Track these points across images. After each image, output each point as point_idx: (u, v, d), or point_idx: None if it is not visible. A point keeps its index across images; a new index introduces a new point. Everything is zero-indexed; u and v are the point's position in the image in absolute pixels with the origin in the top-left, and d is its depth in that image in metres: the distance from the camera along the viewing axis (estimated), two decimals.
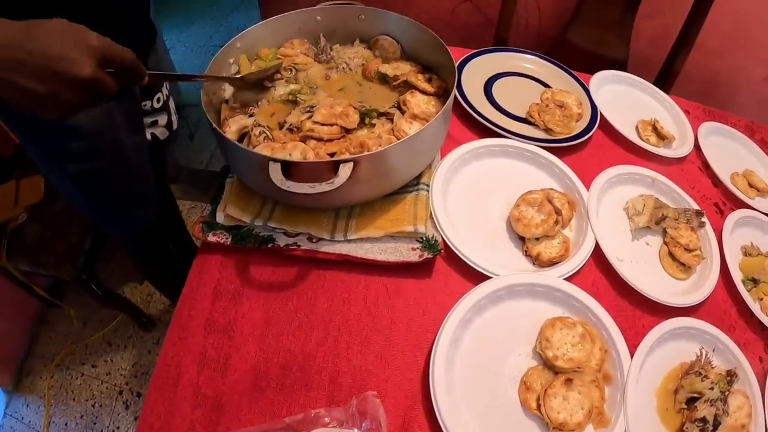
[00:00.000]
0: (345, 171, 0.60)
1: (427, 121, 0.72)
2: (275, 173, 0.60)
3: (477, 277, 0.70)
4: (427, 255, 0.68)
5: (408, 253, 0.68)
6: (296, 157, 0.67)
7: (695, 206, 0.89)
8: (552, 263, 0.73)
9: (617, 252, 0.78)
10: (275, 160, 0.60)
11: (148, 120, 0.92)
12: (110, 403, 1.38)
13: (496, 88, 0.99)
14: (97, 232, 1.19)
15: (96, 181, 0.83)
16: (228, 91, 0.81)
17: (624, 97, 1.10)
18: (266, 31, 0.83)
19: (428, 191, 0.75)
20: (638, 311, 0.76)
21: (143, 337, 1.51)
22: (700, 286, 0.80)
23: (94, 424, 1.34)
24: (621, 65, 1.18)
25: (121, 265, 1.61)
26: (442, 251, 0.69)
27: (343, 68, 0.84)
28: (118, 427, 1.33)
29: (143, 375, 1.43)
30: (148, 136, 0.93)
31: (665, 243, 0.83)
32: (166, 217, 1.16)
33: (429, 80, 0.80)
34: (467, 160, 0.83)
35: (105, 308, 1.49)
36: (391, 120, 0.76)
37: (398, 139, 0.69)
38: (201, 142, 2.08)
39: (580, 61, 1.11)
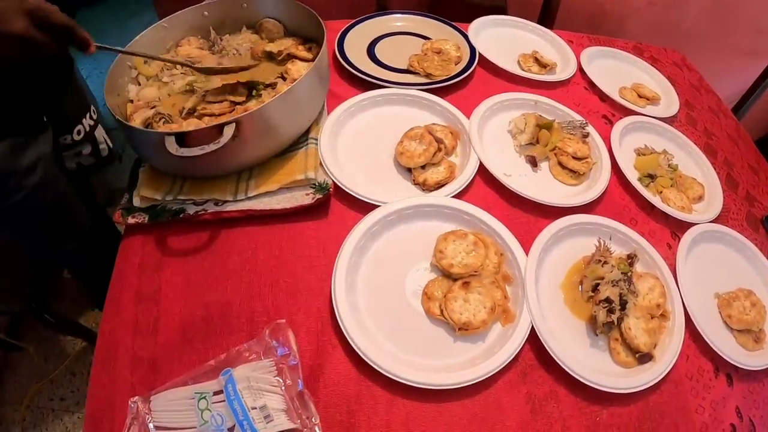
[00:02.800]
0: (228, 131, 0.68)
1: None
2: (170, 144, 0.67)
3: (370, 209, 0.76)
4: (318, 196, 0.75)
5: (302, 198, 0.75)
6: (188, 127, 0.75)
7: (579, 118, 0.95)
8: (439, 186, 0.80)
9: (504, 169, 0.84)
10: (169, 134, 0.68)
11: (70, 153, 0.97)
12: None
13: (379, 48, 1.07)
14: (41, 262, 1.23)
15: (17, 215, 0.86)
16: (132, 91, 0.88)
17: (505, 38, 1.18)
18: (158, 33, 0.91)
19: (317, 144, 0.82)
20: (532, 217, 0.82)
21: None
22: (592, 186, 0.87)
23: None
24: (501, 12, 1.26)
25: (74, 293, 1.65)
26: (331, 189, 0.76)
27: (234, 54, 0.92)
28: None
29: None
30: (74, 165, 0.97)
31: (554, 154, 0.90)
32: (105, 238, 1.20)
33: (309, 49, 0.88)
34: (353, 112, 0.90)
35: (63, 340, 1.53)
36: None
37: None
38: (131, 164, 2.09)
39: (462, 14, 1.19)
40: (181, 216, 0.76)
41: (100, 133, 1.04)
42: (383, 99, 0.94)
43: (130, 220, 0.78)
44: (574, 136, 0.91)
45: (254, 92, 0.82)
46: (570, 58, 1.11)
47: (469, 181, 0.81)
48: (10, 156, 0.78)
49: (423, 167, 0.81)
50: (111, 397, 0.65)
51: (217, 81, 0.86)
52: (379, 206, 0.76)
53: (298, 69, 0.84)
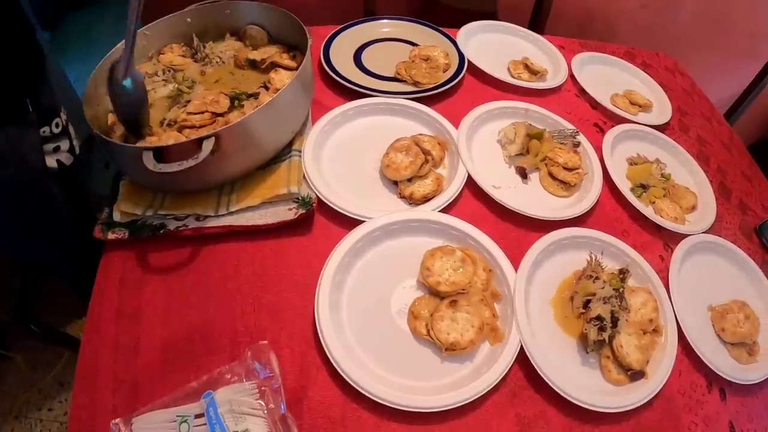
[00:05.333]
0: (207, 145, 0.65)
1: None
2: (148, 160, 0.65)
3: (354, 224, 0.74)
4: (301, 211, 0.73)
5: (285, 213, 0.73)
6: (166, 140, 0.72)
7: (570, 127, 0.94)
8: (426, 199, 0.78)
9: (493, 181, 0.82)
10: (147, 149, 0.65)
11: (50, 146, 0.94)
12: None
13: (365, 56, 1.05)
14: (26, 271, 1.20)
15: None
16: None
17: (495, 44, 1.16)
18: (140, 41, 0.88)
19: (300, 156, 0.80)
20: (522, 231, 0.80)
21: None
22: (583, 198, 0.85)
23: None
24: (491, 17, 1.24)
25: (63, 300, 1.58)
26: (315, 204, 0.74)
27: (217, 62, 0.90)
28: None
29: None
30: (54, 163, 0.95)
31: (545, 164, 0.88)
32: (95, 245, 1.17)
33: (293, 57, 0.86)
34: (338, 123, 0.88)
35: (51, 349, 1.50)
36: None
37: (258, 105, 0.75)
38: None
39: (451, 19, 1.17)
40: (161, 232, 0.74)
41: (72, 130, 1.00)
42: (369, 108, 0.92)
43: (110, 236, 0.76)
44: (565, 146, 0.89)
45: (236, 102, 0.80)
46: (561, 65, 1.10)
47: (456, 194, 0.79)
48: None
49: (410, 180, 0.79)
50: (92, 419, 0.64)
51: (200, 90, 0.84)
52: (364, 221, 0.74)
53: (281, 78, 0.82)
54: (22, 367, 1.53)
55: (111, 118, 0.83)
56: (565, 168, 0.86)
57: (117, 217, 0.77)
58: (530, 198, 0.84)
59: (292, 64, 0.84)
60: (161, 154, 0.66)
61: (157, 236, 0.75)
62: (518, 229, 0.80)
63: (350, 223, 0.75)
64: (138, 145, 0.70)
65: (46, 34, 1.68)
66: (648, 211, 0.88)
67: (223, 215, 0.74)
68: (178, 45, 0.92)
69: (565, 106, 1.02)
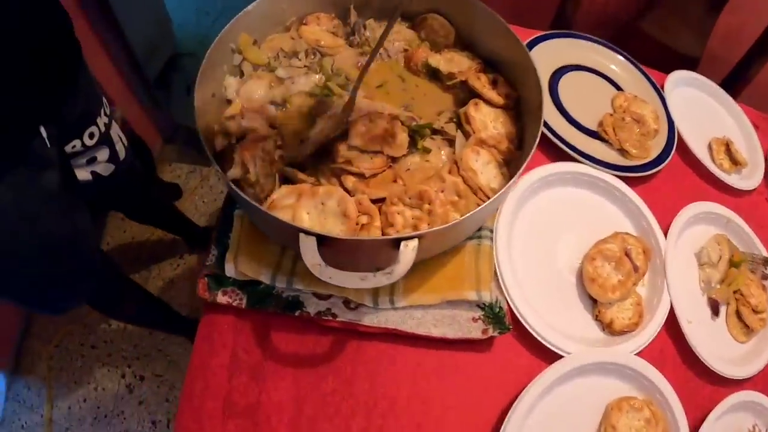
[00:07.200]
0: (407, 252, 0.44)
1: (497, 150, 0.56)
2: (309, 251, 0.44)
3: (544, 350, 0.60)
4: (492, 332, 0.56)
5: (468, 325, 0.56)
6: (331, 208, 0.50)
7: (764, 251, 0.75)
8: (624, 332, 0.63)
9: (688, 313, 0.68)
10: (308, 233, 0.44)
11: (82, 160, 0.73)
12: (113, 387, 1.32)
13: (563, 88, 0.81)
14: None
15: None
16: (231, 86, 0.61)
17: (695, 105, 0.93)
18: (278, 2, 0.60)
19: (492, 240, 0.59)
20: (699, 381, 0.68)
21: None
22: (760, 352, 0.71)
23: (98, 408, 1.29)
24: (692, 64, 0.97)
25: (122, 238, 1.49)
26: (511, 327, 0.56)
27: (381, 54, 0.64)
28: (122, 411, 1.29)
29: (145, 357, 1.35)
30: (89, 176, 0.74)
31: (735, 298, 0.71)
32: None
33: (494, 83, 0.61)
34: (535, 190, 0.68)
35: None
36: (449, 141, 0.58)
37: (464, 179, 0.53)
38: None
39: (649, 53, 0.92)
40: (296, 313, 0.55)
41: (115, 131, 0.79)
42: (571, 177, 0.72)
43: (221, 299, 0.57)
44: (755, 276, 0.71)
45: (418, 142, 0.57)
46: (757, 154, 0.88)
47: (656, 333, 0.64)
48: None
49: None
50: None
51: (360, 100, 0.60)
52: (557, 353, 0.59)
53: (483, 121, 0.58)
54: None
55: (231, 113, 0.59)
56: (754, 311, 0.70)
57: (230, 272, 0.57)
58: (716, 339, 0.70)
59: (497, 99, 0.59)
60: (326, 242, 0.46)
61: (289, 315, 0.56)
62: (696, 378, 0.67)
63: (540, 348, 0.60)
64: (295, 224, 0.48)
65: None
66: None
67: (384, 308, 0.56)
68: (327, 16, 0.65)
69: (756, 217, 0.82)
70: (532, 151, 0.51)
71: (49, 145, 0.59)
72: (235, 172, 0.52)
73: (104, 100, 0.76)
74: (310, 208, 0.51)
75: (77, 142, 0.70)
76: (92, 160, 0.74)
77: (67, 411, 1.28)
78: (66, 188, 0.64)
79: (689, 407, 0.63)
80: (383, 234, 0.50)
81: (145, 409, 1.29)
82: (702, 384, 0.67)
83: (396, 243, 0.45)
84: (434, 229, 0.45)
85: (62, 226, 0.66)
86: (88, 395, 1.31)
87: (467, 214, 0.47)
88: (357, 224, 0.50)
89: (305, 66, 0.63)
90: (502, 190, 0.49)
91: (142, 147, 1.36)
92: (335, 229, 0.49)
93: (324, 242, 0.45)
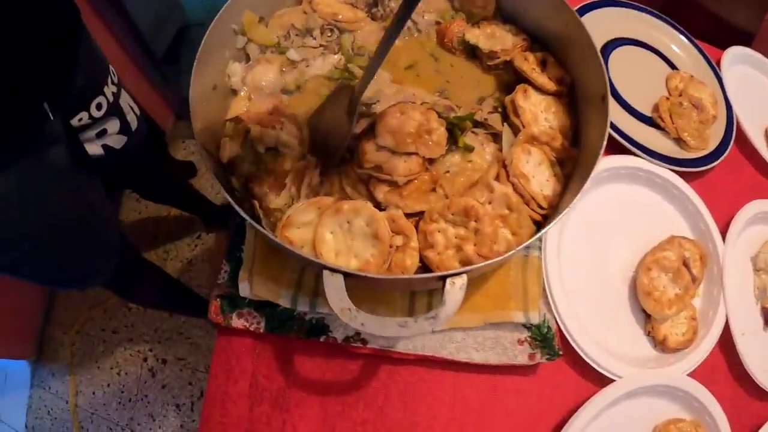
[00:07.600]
0: (455, 295, 0.37)
1: (550, 147, 0.46)
2: (335, 291, 0.37)
3: (593, 372, 0.54)
4: (540, 359, 0.49)
5: (514, 349, 0.50)
6: (359, 228, 0.43)
7: None
8: (677, 350, 0.56)
9: (741, 324, 0.60)
10: (335, 270, 0.36)
11: (91, 133, 0.65)
12: (135, 370, 1.31)
13: (613, 65, 0.69)
14: None
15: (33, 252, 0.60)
16: (236, 74, 0.52)
17: (751, 86, 0.81)
18: None
19: (540, 250, 0.52)
20: (747, 398, 0.62)
21: None
22: None
23: (122, 392, 1.30)
24: (746, 39, 0.83)
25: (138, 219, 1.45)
26: (561, 353, 0.49)
27: (409, 29, 0.54)
28: (146, 396, 1.29)
29: (167, 341, 1.34)
30: (100, 150, 0.67)
31: None
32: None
33: (542, 64, 0.51)
34: (587, 189, 0.58)
35: None
36: (493, 136, 0.49)
37: (515, 187, 0.45)
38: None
39: (699, 25, 0.78)
40: (321, 339, 0.49)
41: (125, 99, 0.71)
42: (627, 173, 0.63)
43: (236, 322, 0.52)
44: None
45: (459, 139, 0.48)
46: None
47: (711, 351, 0.57)
48: None
49: None
50: None
51: (387, 84, 0.51)
52: (607, 376, 0.53)
53: (534, 112, 0.48)
54: None
55: (236, 105, 0.51)
56: None
57: (245, 292, 0.50)
58: (760, 350, 0.62)
59: (549, 85, 0.49)
60: (355, 279, 0.39)
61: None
62: (745, 395, 0.61)
63: (589, 370, 0.53)
64: (316, 246, 0.40)
65: None
66: None
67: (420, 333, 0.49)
68: None
69: None
70: (599, 157, 0.42)
71: (52, 118, 0.53)
72: (279, 201, 0.46)
73: (111, 68, 0.69)
74: (334, 227, 0.43)
75: (84, 115, 0.63)
76: (102, 133, 0.68)
77: (91, 396, 1.30)
78: (77, 164, 0.60)
79: (736, 426, 0.58)
80: (421, 256, 0.43)
81: (169, 392, 1.30)
82: (750, 401, 0.61)
83: (440, 279, 0.38)
84: (485, 263, 0.37)
85: (75, 203, 0.62)
86: (112, 380, 1.31)
87: (524, 244, 0.40)
88: (391, 246, 0.42)
89: (321, 45, 0.53)
90: (566, 210, 0.41)
91: (151, 126, 1.29)
92: (365, 253, 0.42)
93: (350, 277, 0.38)
